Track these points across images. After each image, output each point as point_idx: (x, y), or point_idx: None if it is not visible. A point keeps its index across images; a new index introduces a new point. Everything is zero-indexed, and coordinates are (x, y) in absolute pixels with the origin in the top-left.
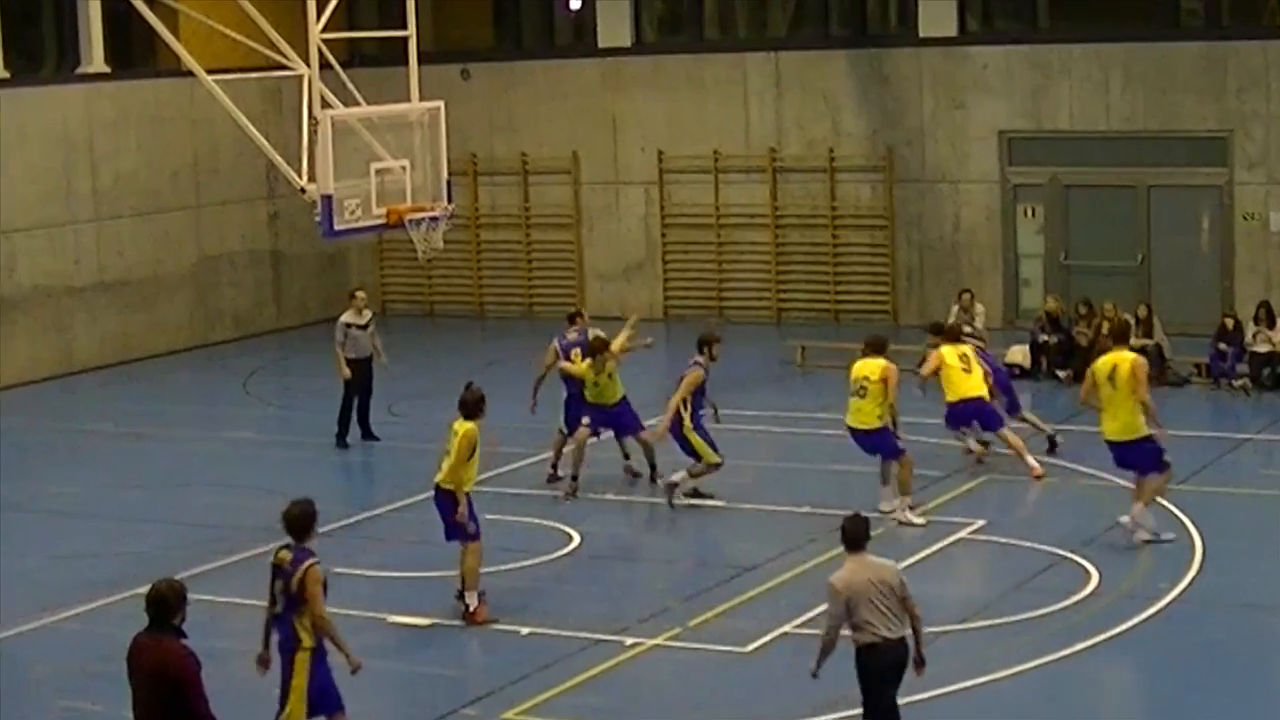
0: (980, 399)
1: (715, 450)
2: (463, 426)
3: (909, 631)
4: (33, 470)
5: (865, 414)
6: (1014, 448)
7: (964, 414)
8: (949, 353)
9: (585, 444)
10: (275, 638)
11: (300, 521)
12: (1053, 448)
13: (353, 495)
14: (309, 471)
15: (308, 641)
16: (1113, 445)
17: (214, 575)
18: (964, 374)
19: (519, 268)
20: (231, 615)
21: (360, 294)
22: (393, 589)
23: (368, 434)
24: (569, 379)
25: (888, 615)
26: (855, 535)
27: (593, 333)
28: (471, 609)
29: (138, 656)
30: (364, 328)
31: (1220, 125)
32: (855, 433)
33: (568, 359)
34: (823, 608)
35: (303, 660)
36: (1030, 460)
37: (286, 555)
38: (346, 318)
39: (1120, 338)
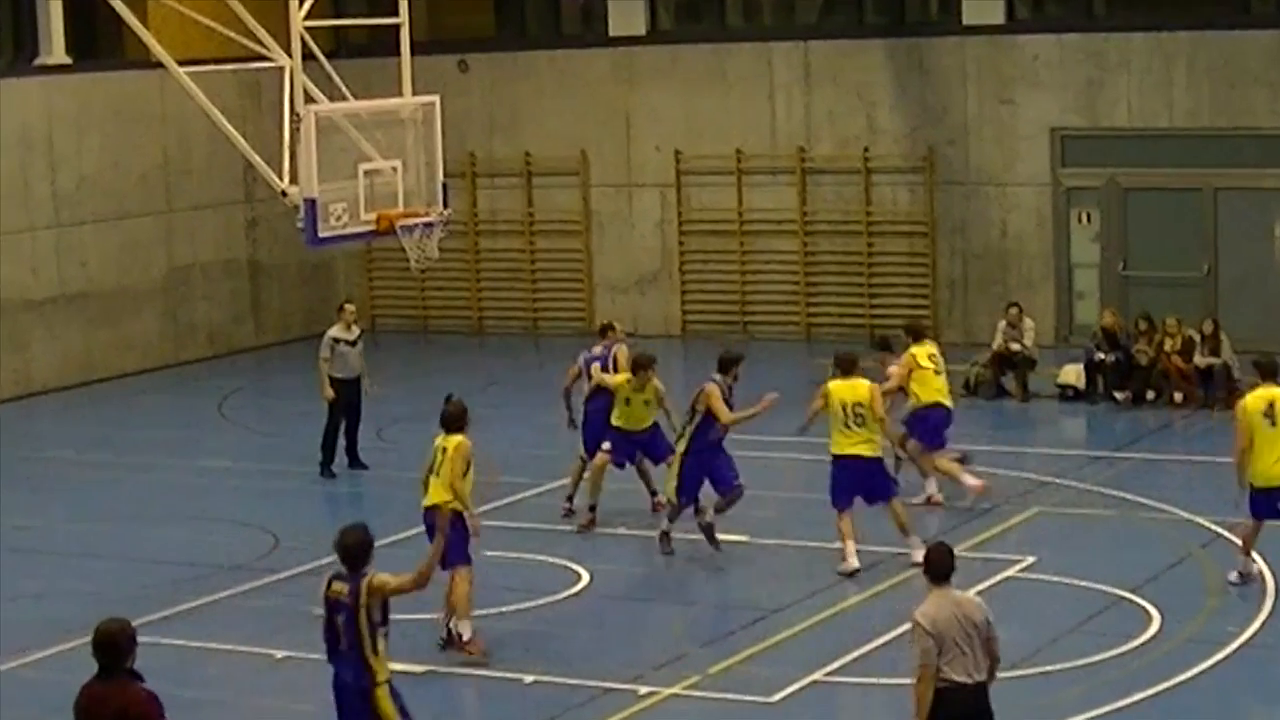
0: (950, 410)
1: (681, 493)
2: (452, 441)
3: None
4: None
5: (872, 442)
6: (947, 471)
7: (938, 422)
8: (920, 352)
9: (604, 471)
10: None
11: (358, 550)
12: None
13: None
14: (291, 503)
15: (383, 675)
16: (1266, 492)
17: (187, 618)
18: (936, 375)
19: (522, 279)
20: (205, 662)
21: (350, 307)
22: None
23: (355, 462)
24: (593, 398)
25: (972, 656)
26: (941, 567)
27: (622, 348)
28: (466, 639)
29: (93, 707)
30: (353, 344)
31: None
32: (862, 462)
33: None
34: (858, 653)
35: (383, 694)
36: (969, 480)
37: (342, 588)
38: (334, 332)
39: (1269, 373)
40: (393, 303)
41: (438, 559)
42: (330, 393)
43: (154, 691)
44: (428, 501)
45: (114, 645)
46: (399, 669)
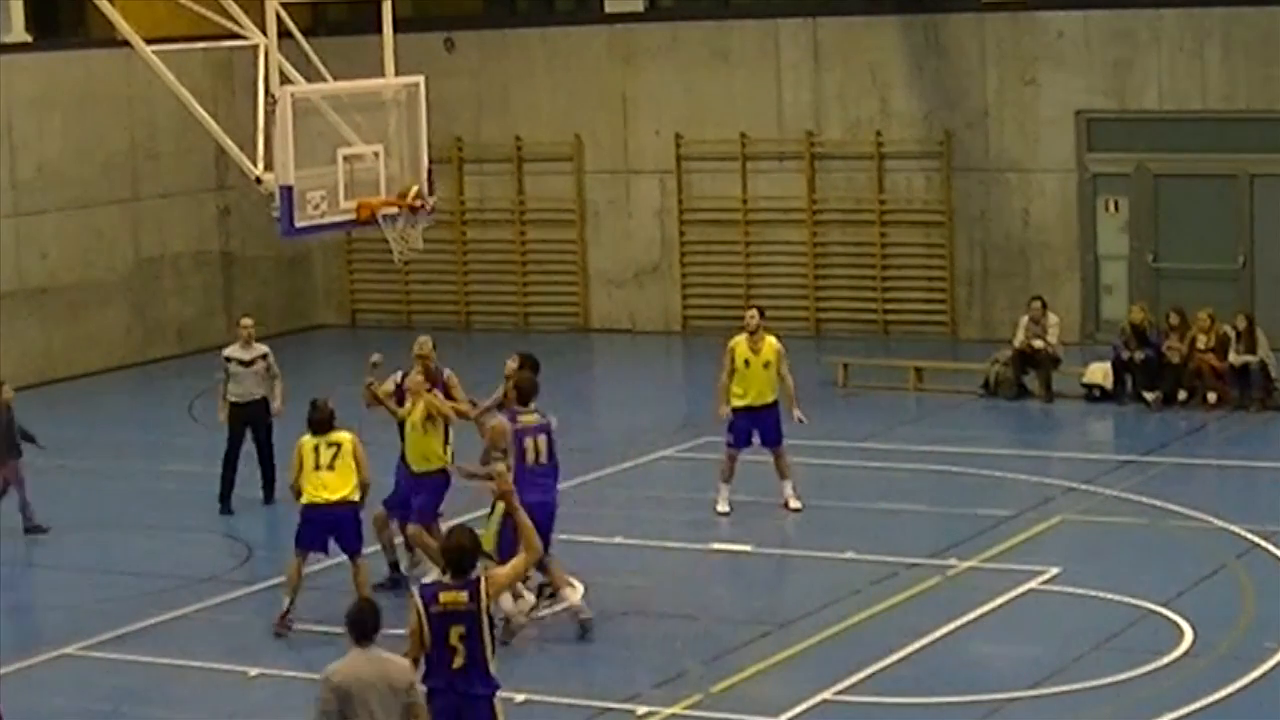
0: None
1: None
2: (342, 436)
3: None
4: None
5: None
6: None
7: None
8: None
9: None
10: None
11: (474, 552)
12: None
13: None
14: (266, 511)
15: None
16: None
17: (155, 633)
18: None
19: (512, 272)
20: (175, 680)
21: (246, 322)
22: None
23: (270, 497)
24: None
25: None
26: (365, 626)
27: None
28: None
29: None
30: (248, 364)
31: None
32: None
33: None
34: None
35: (501, 706)
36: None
37: (457, 596)
38: (229, 351)
39: None
40: (374, 296)
41: (531, 531)
42: (222, 417)
43: None
44: (338, 494)
45: None
46: None
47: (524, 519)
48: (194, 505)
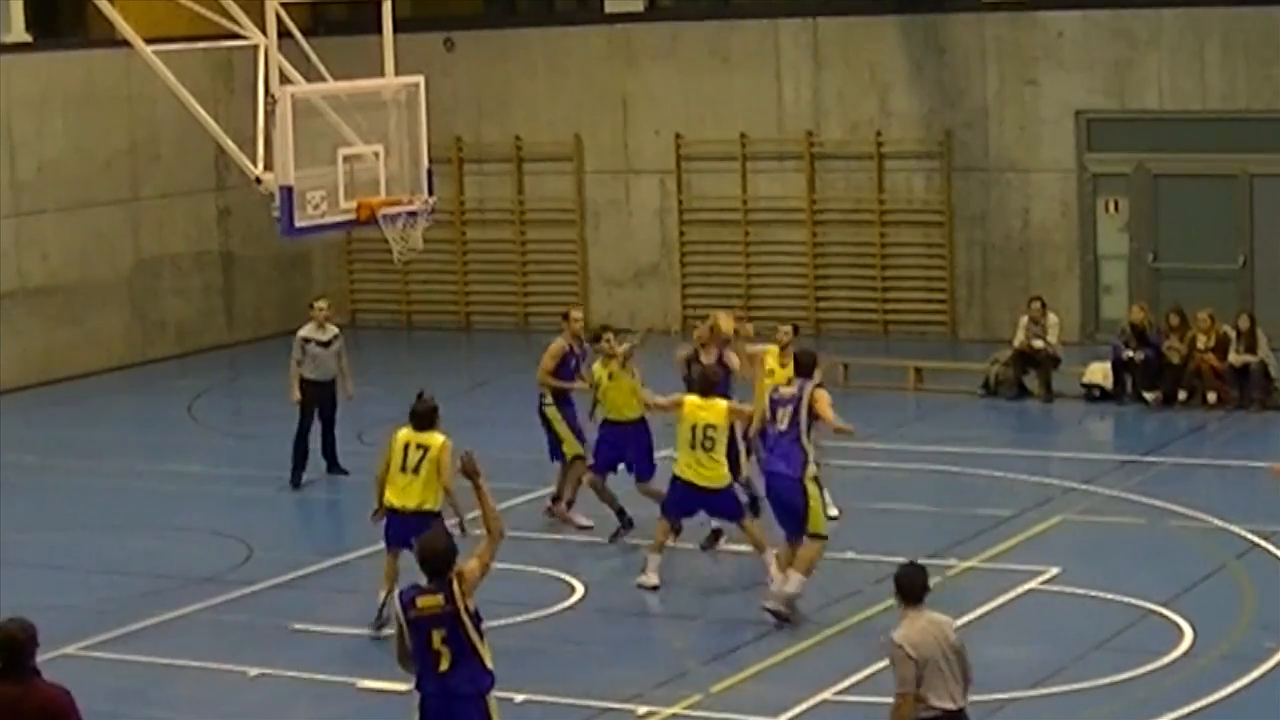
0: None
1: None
2: (433, 439)
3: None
4: None
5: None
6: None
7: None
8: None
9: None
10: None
11: (448, 557)
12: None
13: (318, 539)
14: (266, 511)
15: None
16: None
17: (156, 633)
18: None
19: (511, 272)
20: (172, 680)
21: (320, 304)
22: (364, 649)
23: (334, 466)
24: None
25: (954, 681)
26: (915, 586)
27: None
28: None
29: (6, 706)
30: (326, 345)
31: None
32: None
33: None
34: (871, 670)
35: (494, 702)
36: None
37: (433, 600)
38: (305, 332)
39: None
40: (374, 297)
41: (496, 514)
42: (296, 395)
43: (67, 688)
44: (413, 502)
45: (16, 644)
46: (384, 688)
47: (489, 501)
48: (194, 505)
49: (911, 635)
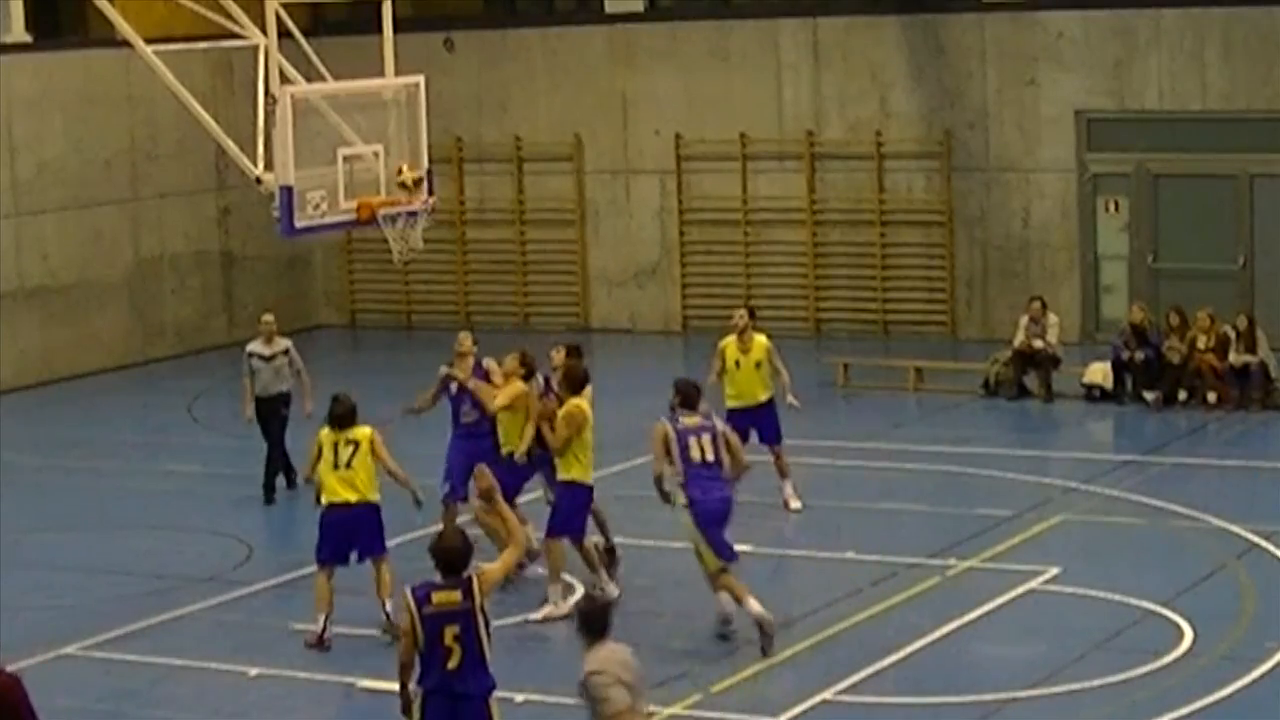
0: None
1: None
2: (360, 432)
3: None
4: None
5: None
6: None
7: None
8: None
9: None
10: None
11: (465, 553)
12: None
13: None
14: (265, 511)
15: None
16: None
17: (156, 633)
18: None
19: (511, 272)
20: (173, 680)
21: (268, 318)
22: (364, 650)
23: (292, 485)
24: None
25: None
26: (598, 623)
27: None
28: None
29: None
30: (268, 359)
31: None
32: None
33: None
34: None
35: (496, 705)
36: None
37: (450, 595)
38: (251, 347)
39: None
40: (374, 296)
41: (518, 525)
42: (249, 413)
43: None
44: (352, 495)
45: None
46: (383, 688)
47: (510, 515)
48: (194, 505)
49: (604, 663)
